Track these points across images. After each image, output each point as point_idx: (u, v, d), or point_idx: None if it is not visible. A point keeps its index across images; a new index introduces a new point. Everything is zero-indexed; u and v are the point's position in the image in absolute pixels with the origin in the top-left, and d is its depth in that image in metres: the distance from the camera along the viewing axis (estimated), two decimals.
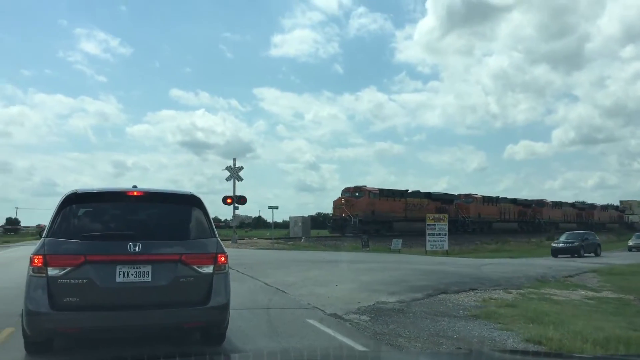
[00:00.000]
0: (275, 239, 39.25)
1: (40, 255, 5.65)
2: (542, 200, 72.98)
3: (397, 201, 53.08)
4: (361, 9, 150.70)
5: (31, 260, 5.70)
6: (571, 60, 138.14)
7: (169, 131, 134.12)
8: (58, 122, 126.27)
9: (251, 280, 14.07)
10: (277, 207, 42.14)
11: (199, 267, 6.05)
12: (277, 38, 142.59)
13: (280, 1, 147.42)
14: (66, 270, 5.60)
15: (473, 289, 12.72)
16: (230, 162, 38.01)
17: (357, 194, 49.73)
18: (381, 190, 52.14)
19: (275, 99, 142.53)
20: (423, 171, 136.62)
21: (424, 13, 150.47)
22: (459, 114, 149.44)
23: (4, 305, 9.42)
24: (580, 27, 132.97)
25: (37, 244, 5.88)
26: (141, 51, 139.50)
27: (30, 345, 6.12)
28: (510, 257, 28.96)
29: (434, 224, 33.94)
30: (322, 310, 9.47)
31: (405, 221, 52.00)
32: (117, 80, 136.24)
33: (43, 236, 5.92)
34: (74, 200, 6.19)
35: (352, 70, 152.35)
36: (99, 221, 6.24)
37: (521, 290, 12.78)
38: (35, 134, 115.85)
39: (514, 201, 67.60)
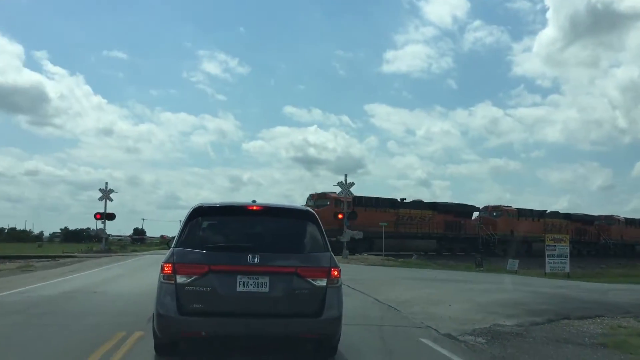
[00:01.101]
0: (385, 255, 39.00)
1: (170, 263, 6.06)
2: (611, 216, 61.59)
3: (383, 212, 44.97)
4: (477, 22, 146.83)
5: (162, 268, 6.14)
6: None
7: (283, 147, 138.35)
8: (181, 138, 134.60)
9: (362, 296, 14.10)
10: (387, 224, 41.81)
11: (313, 280, 6.21)
12: (389, 54, 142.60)
13: (393, 18, 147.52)
14: (192, 278, 5.97)
15: (599, 316, 11.84)
16: (340, 178, 38.40)
17: (322, 202, 42.13)
18: (358, 198, 43.59)
19: (386, 115, 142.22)
20: (541, 189, 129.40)
21: (544, 24, 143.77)
22: (582, 129, 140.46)
23: (135, 310, 10.15)
24: None
25: (167, 253, 6.32)
26: (258, 70, 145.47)
27: (159, 346, 6.58)
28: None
29: (554, 245, 32.03)
30: (435, 330, 9.26)
31: (395, 238, 44.56)
32: (235, 98, 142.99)
33: (172, 246, 6.36)
34: (200, 213, 6.61)
35: (465, 84, 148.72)
36: (221, 233, 6.62)
37: None
38: (161, 150, 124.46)
39: (568, 216, 56.84)
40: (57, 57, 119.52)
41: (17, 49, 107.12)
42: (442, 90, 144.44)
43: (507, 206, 53.88)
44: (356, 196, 44.13)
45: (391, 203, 47.52)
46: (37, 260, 26.66)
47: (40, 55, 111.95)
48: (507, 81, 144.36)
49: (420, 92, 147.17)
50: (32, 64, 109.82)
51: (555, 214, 56.46)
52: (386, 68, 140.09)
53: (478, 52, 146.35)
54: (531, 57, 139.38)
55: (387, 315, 10.83)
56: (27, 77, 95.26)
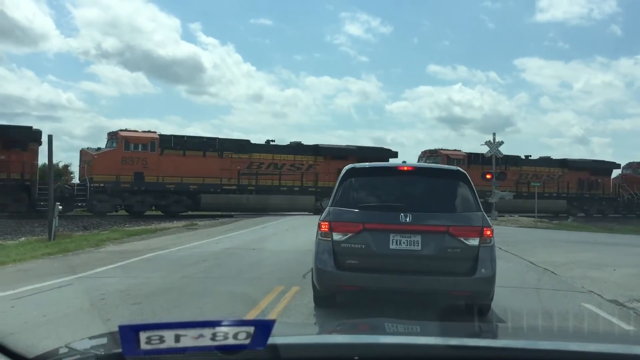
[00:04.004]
0: (538, 217, 37.17)
1: (326, 222, 6.36)
2: None
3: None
4: None
5: (319, 226, 6.46)
6: None
7: (426, 107, 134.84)
8: (325, 102, 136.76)
9: (516, 258, 13.62)
10: (539, 184, 39.67)
11: (465, 239, 6.25)
12: (543, 2, 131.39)
13: None
14: (348, 236, 6.23)
15: None
16: (487, 137, 37.04)
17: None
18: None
19: (538, 69, 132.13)
20: None
21: None
22: None
23: (290, 267, 10.73)
24: None
25: (324, 212, 6.61)
26: (400, 29, 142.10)
27: (318, 299, 6.96)
28: None
29: None
30: (599, 295, 8.71)
31: None
32: (377, 59, 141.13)
33: (328, 205, 6.62)
34: (352, 174, 6.80)
35: (632, 30, 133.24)
36: (373, 193, 6.77)
37: None
38: (306, 114, 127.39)
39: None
40: (209, 28, 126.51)
41: (175, 22, 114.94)
42: (604, 38, 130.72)
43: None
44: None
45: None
46: (199, 219, 29.00)
47: (195, 27, 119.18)
48: None
49: (578, 41, 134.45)
50: (188, 36, 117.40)
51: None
52: (539, 17, 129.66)
53: None
54: None
55: (544, 279, 10.37)
56: (185, 49, 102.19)
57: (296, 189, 35.68)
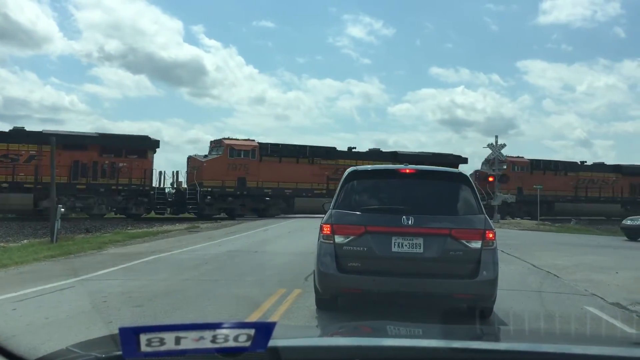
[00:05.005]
0: (540, 219, 37.11)
1: (328, 224, 6.37)
2: None
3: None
4: None
5: (321, 229, 6.45)
6: None
7: (429, 109, 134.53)
8: (327, 104, 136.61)
9: (518, 261, 13.60)
10: (541, 186, 39.59)
11: (467, 242, 6.24)
12: (546, 4, 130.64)
13: None
14: (350, 239, 6.23)
15: None
16: (490, 140, 37.00)
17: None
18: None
19: (541, 71, 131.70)
20: None
21: None
22: None
23: (293, 269, 10.73)
24: None
25: (326, 215, 6.61)
26: (403, 31, 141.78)
27: (320, 302, 6.96)
28: None
29: None
30: (602, 298, 8.68)
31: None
32: (380, 61, 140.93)
33: (330, 208, 6.62)
34: (354, 177, 6.80)
35: (636, 32, 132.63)
36: (375, 196, 6.78)
37: None
38: (308, 116, 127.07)
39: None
40: (212, 30, 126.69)
41: (177, 24, 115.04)
42: (607, 40, 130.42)
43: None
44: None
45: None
46: (202, 222, 29.05)
47: (197, 29, 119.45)
48: None
49: (581, 44, 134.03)
50: (190, 38, 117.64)
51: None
52: (542, 19, 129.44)
53: None
54: None
55: (546, 282, 10.34)
56: (187, 51, 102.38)
57: (5, 185, 29.01)
